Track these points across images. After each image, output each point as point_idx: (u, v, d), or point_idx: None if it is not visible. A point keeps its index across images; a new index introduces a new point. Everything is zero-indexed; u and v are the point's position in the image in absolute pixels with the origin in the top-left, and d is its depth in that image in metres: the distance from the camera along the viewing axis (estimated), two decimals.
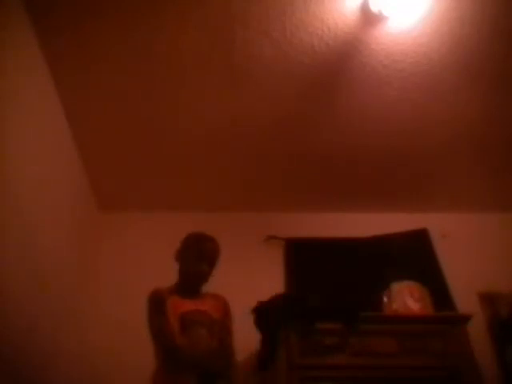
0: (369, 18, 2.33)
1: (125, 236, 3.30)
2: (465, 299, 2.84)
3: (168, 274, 2.99)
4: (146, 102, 2.74)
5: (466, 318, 2.58)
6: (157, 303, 1.96)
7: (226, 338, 2.00)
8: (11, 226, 2.26)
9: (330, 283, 2.91)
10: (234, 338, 2.06)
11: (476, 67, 2.55)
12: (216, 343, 1.90)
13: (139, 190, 3.31)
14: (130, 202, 3.36)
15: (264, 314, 2.29)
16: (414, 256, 3.09)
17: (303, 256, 3.14)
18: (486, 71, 2.57)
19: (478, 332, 2.66)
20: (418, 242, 3.17)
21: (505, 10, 2.30)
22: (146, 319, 1.98)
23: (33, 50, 2.40)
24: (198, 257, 2.01)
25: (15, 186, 2.29)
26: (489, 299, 2.88)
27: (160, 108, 2.77)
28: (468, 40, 2.42)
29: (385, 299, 2.75)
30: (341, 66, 2.55)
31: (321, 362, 2.40)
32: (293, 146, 3.02)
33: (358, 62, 2.53)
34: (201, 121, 2.85)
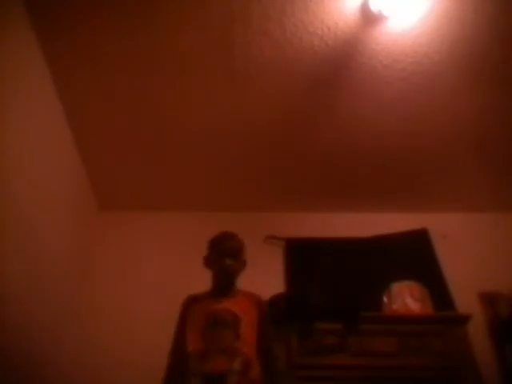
0: (369, 18, 2.32)
1: (125, 236, 3.30)
2: (465, 299, 2.84)
3: (167, 273, 3.01)
4: (146, 102, 2.73)
5: (465, 318, 2.59)
6: (180, 316, 1.97)
7: (265, 347, 1.90)
8: (11, 227, 2.26)
9: (330, 283, 2.91)
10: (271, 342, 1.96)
11: (476, 67, 2.55)
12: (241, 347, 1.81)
13: (139, 190, 3.31)
14: (130, 201, 3.36)
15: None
16: (414, 256, 3.09)
17: (303, 256, 3.14)
18: (486, 71, 2.56)
19: (477, 332, 2.66)
20: (418, 241, 3.17)
21: (505, 10, 2.30)
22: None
23: (33, 50, 2.40)
24: (220, 255, 2.01)
25: (15, 185, 2.29)
26: (489, 299, 2.88)
27: (160, 108, 2.77)
28: (468, 40, 2.42)
29: (385, 299, 2.75)
30: (341, 65, 2.55)
31: (321, 362, 2.40)
32: (293, 146, 3.02)
33: (358, 62, 2.53)
34: (201, 121, 2.85)
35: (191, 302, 1.97)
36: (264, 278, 2.90)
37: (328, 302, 2.63)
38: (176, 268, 3.00)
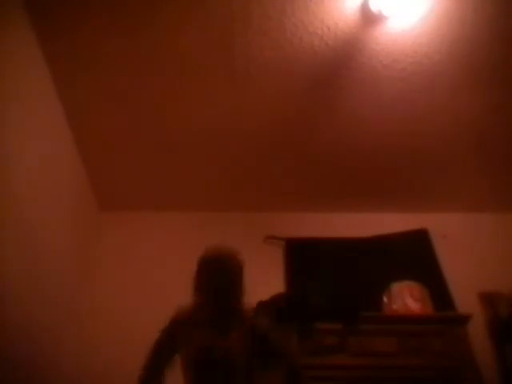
0: (369, 18, 2.33)
1: (125, 236, 3.30)
2: (465, 299, 2.84)
3: (167, 273, 3.00)
4: (146, 102, 2.73)
5: (465, 318, 2.59)
6: (168, 330, 1.76)
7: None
8: (11, 227, 2.26)
9: (330, 283, 2.91)
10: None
11: (476, 67, 2.55)
12: None
13: (139, 190, 3.30)
14: (130, 201, 3.36)
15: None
16: (414, 256, 3.09)
17: (303, 256, 3.14)
18: (485, 71, 2.56)
19: (477, 332, 2.66)
20: (418, 241, 3.17)
21: (505, 10, 2.30)
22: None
23: (33, 50, 2.40)
24: (213, 292, 1.68)
25: (15, 185, 2.29)
26: (489, 299, 2.88)
27: (160, 108, 2.77)
28: (468, 40, 2.42)
29: (385, 299, 2.75)
30: (341, 65, 2.55)
31: (321, 362, 2.40)
32: (293, 146, 3.02)
33: (358, 62, 2.53)
34: (201, 121, 2.85)
35: (182, 325, 1.74)
36: (264, 278, 2.90)
37: (328, 301, 2.63)
38: (176, 268, 2.99)
